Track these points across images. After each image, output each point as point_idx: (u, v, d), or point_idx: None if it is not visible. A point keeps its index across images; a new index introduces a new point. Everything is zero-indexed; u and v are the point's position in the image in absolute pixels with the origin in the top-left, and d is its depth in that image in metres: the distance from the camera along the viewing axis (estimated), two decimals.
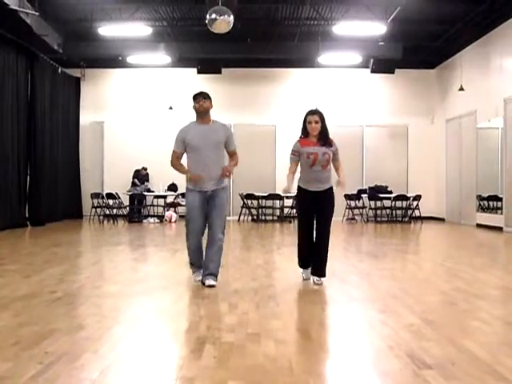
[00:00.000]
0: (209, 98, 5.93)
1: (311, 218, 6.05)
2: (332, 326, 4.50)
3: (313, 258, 6.10)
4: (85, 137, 17.98)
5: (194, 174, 5.84)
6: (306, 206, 6.10)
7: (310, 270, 6.19)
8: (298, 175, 6.15)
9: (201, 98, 5.88)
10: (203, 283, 5.89)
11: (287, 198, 16.06)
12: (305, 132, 6.01)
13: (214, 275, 5.93)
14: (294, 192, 6.29)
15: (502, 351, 3.69)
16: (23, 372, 3.14)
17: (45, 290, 5.56)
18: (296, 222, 6.33)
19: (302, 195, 6.12)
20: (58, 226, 14.55)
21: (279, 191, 16.51)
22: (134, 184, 17.11)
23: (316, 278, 6.04)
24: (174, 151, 5.99)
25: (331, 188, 6.07)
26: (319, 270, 6.04)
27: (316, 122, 5.92)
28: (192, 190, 5.92)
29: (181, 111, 16.23)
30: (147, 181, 17.26)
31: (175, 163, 6.02)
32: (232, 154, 6.10)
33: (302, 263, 6.25)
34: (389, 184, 17.52)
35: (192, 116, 6.04)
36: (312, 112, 5.99)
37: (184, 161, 6.09)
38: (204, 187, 5.86)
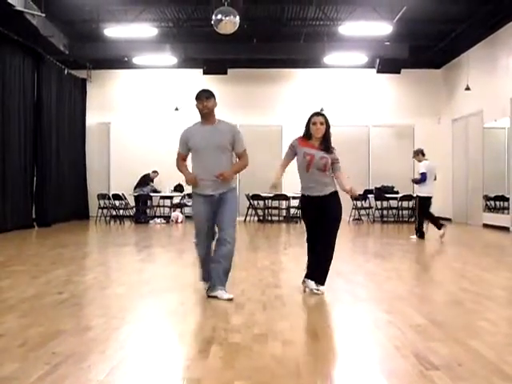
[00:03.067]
0: (212, 96, 5.49)
1: (316, 226, 5.65)
2: (339, 326, 4.50)
3: (313, 263, 5.67)
4: (91, 138, 18.02)
5: (191, 176, 5.46)
6: (309, 213, 5.74)
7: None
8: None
9: (204, 97, 5.44)
10: (212, 296, 5.36)
11: (293, 198, 16.04)
12: (308, 134, 5.70)
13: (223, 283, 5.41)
14: (279, 188, 5.84)
15: (509, 351, 3.68)
16: (30, 373, 3.15)
17: (52, 291, 5.58)
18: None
19: (305, 202, 5.77)
20: (64, 226, 14.59)
21: (286, 192, 16.51)
22: (139, 185, 17.10)
23: (314, 286, 5.59)
24: (178, 153, 5.66)
25: (336, 192, 5.67)
26: (318, 277, 5.59)
27: (321, 124, 5.64)
28: (198, 195, 5.51)
29: (187, 112, 16.16)
30: (152, 182, 17.26)
31: (179, 164, 5.68)
32: (239, 156, 5.57)
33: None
34: (395, 184, 17.47)
35: (198, 117, 5.67)
36: (318, 113, 5.79)
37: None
38: (207, 192, 5.42)
